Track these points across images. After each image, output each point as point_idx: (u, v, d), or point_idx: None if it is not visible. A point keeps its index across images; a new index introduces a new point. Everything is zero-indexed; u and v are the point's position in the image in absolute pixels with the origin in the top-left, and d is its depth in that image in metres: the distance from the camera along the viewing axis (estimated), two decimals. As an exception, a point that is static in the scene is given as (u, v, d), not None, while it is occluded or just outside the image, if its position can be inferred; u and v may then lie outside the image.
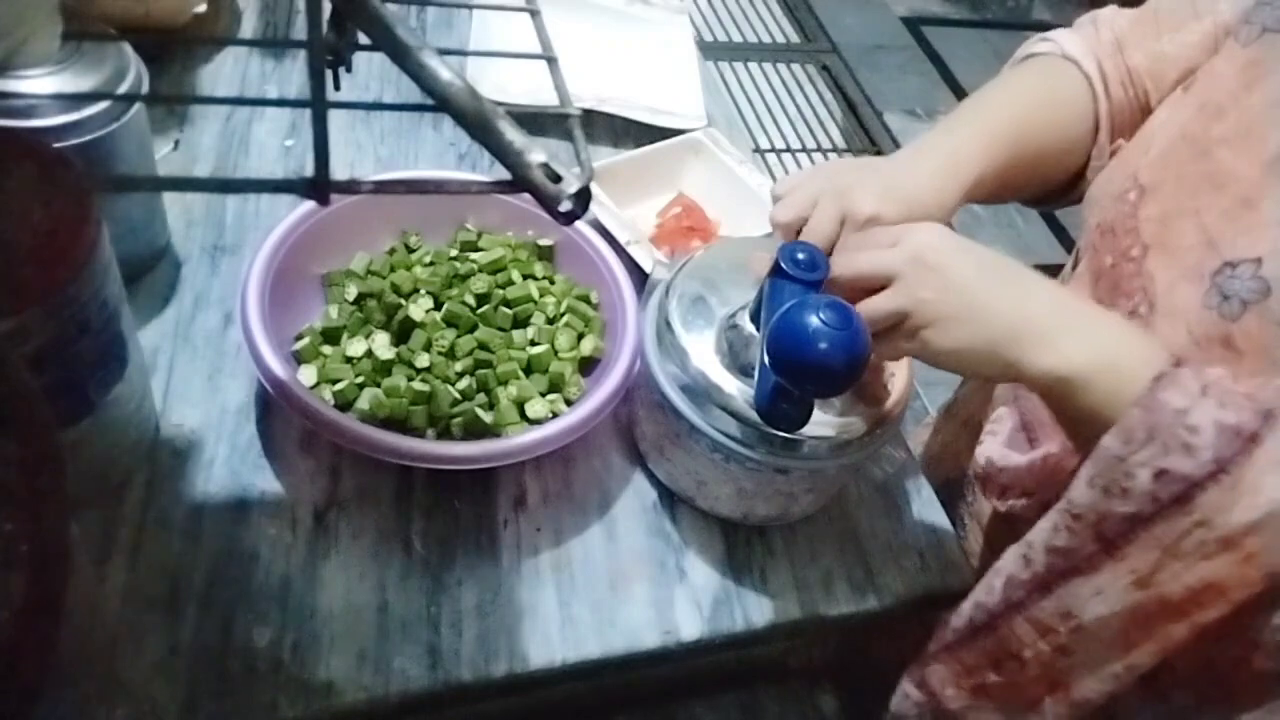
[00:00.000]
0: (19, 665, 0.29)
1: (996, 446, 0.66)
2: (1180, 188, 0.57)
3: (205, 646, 0.53)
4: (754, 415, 0.53)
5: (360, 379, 0.62)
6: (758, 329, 0.55)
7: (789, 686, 0.74)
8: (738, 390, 0.56)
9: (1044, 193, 0.73)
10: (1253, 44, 0.55)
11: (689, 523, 0.64)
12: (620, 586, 0.60)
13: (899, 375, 0.60)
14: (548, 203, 0.38)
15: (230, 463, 0.61)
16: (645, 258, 0.75)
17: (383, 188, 0.42)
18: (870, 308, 0.52)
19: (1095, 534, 0.46)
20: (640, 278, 0.77)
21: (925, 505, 0.69)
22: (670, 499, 0.65)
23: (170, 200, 0.72)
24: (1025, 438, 0.65)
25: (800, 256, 0.54)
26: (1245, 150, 0.53)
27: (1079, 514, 0.46)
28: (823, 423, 0.56)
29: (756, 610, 0.61)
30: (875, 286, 0.53)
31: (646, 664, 0.59)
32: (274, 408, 0.63)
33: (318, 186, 0.36)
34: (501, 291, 0.68)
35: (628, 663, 0.58)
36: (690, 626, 0.59)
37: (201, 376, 0.64)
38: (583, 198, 0.38)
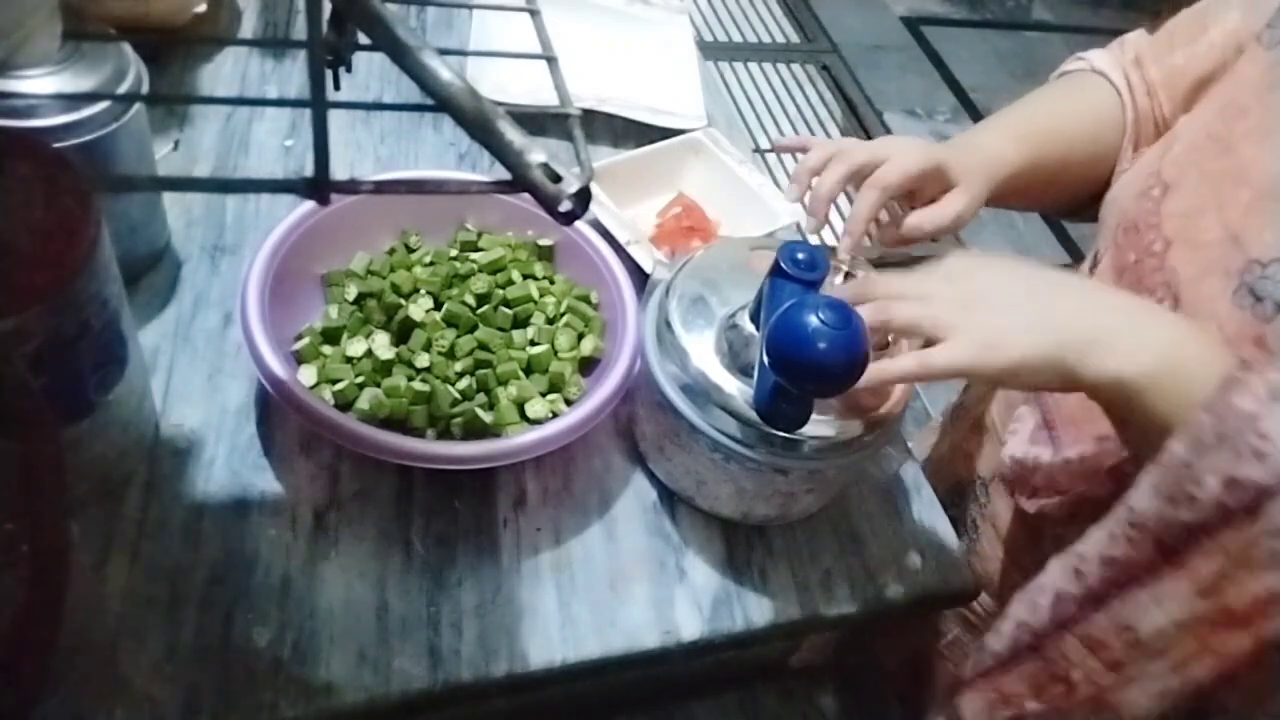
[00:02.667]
0: (19, 665, 0.29)
1: (1021, 445, 0.66)
2: (1203, 183, 0.57)
3: (205, 646, 0.53)
4: (754, 415, 0.53)
5: (360, 379, 0.62)
6: (758, 329, 0.55)
7: (789, 686, 0.74)
8: (737, 390, 0.56)
9: (1073, 201, 0.74)
10: (1277, 46, 0.56)
11: (689, 523, 0.64)
12: (620, 586, 0.60)
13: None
14: (548, 203, 0.38)
15: (230, 463, 0.61)
16: (645, 258, 0.75)
17: (383, 188, 0.42)
18: (903, 318, 0.51)
19: (1156, 543, 0.44)
20: (640, 278, 0.77)
21: (925, 505, 0.69)
22: (670, 499, 0.65)
23: (170, 200, 0.72)
24: (1048, 435, 0.65)
25: (800, 256, 0.54)
26: (1268, 146, 0.53)
27: (1141, 523, 0.44)
28: (822, 423, 0.56)
29: (756, 610, 0.61)
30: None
31: (646, 664, 0.59)
32: (274, 408, 0.63)
33: (318, 186, 0.36)
34: (501, 291, 0.68)
35: (628, 663, 0.58)
36: (690, 626, 0.59)
37: (201, 376, 0.64)
38: (583, 198, 0.38)
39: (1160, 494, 0.43)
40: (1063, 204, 0.76)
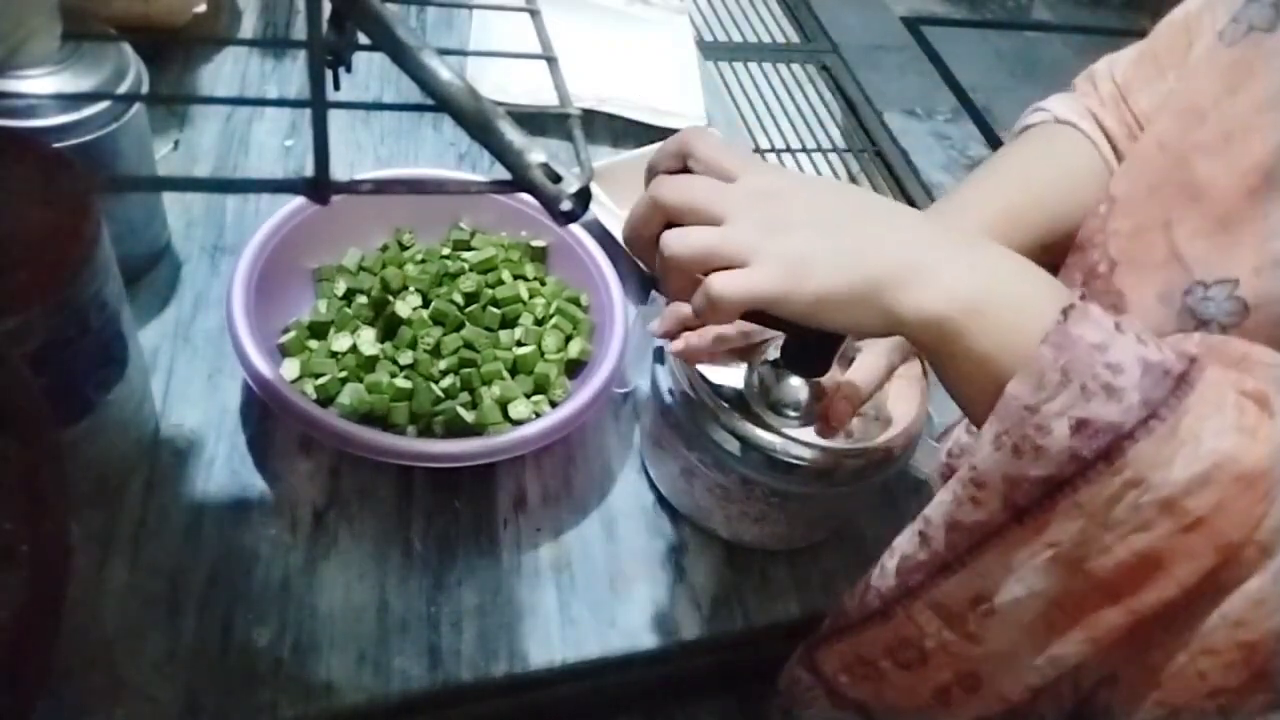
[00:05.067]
0: (19, 665, 0.29)
1: (955, 435, 0.62)
2: (1152, 200, 0.52)
3: (205, 646, 0.53)
4: (764, 439, 0.53)
5: (344, 374, 0.62)
6: (788, 366, 0.54)
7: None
8: (744, 413, 0.55)
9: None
10: (1238, 43, 0.51)
11: (689, 522, 0.64)
12: (620, 586, 0.60)
13: (910, 402, 0.59)
14: (548, 203, 0.38)
15: (230, 463, 0.61)
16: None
17: (383, 188, 0.42)
18: (695, 240, 0.41)
19: (1006, 502, 0.39)
20: (640, 278, 0.77)
21: (925, 505, 0.69)
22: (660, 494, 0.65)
23: (170, 200, 0.72)
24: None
25: None
26: (1225, 159, 0.49)
27: (984, 481, 0.39)
28: (826, 451, 0.55)
29: (756, 610, 0.61)
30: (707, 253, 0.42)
31: (646, 664, 0.59)
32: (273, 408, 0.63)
33: (318, 186, 0.36)
34: (491, 291, 0.68)
35: (628, 663, 0.58)
36: (690, 626, 0.59)
37: (201, 376, 0.64)
38: (583, 198, 0.38)
39: (1003, 446, 0.38)
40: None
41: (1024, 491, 0.38)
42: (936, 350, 0.41)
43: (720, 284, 0.40)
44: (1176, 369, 0.36)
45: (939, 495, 0.42)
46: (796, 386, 0.55)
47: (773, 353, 0.56)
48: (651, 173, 0.47)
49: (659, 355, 0.59)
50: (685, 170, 0.45)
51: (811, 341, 0.49)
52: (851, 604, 0.48)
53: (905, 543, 0.44)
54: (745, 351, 0.56)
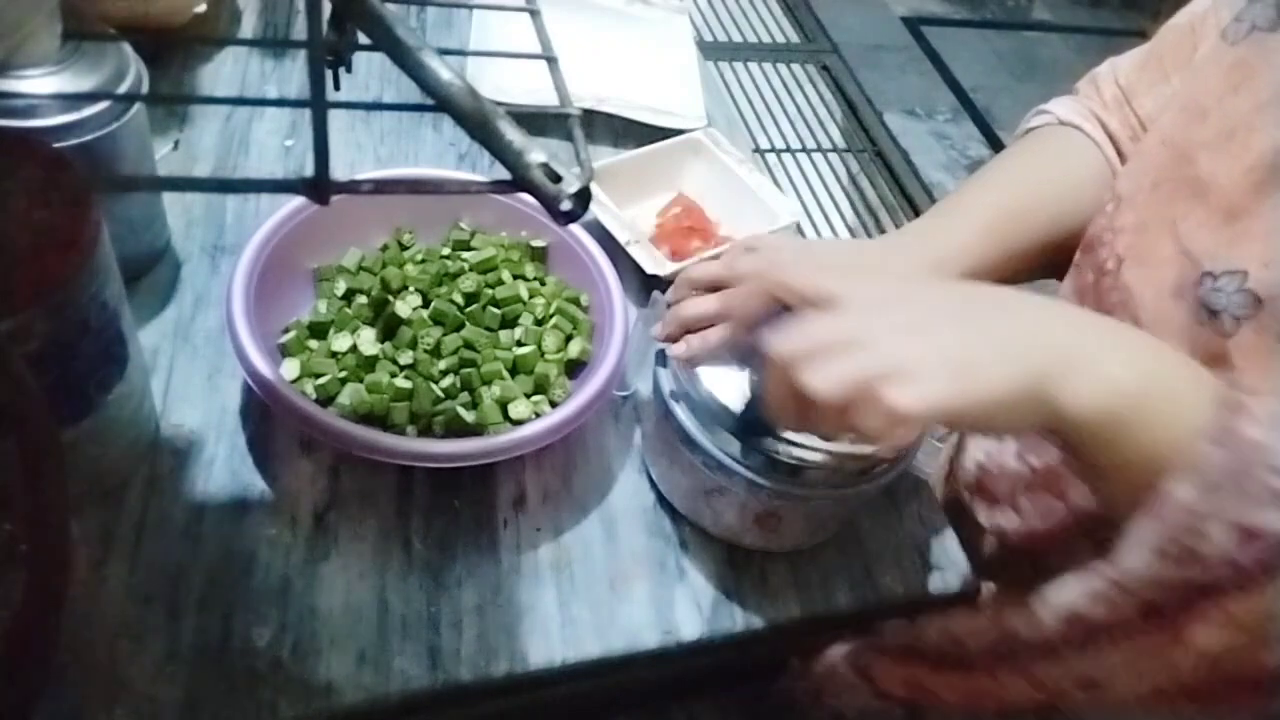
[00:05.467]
0: (19, 665, 0.29)
1: (986, 446, 0.62)
2: (1156, 195, 0.52)
3: (205, 646, 0.53)
4: (766, 442, 0.54)
5: (344, 374, 0.62)
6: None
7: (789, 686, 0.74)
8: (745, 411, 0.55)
9: (1056, 269, 0.66)
10: (1241, 42, 0.51)
11: (689, 522, 0.64)
12: (620, 586, 0.60)
13: None
14: (548, 203, 0.38)
15: (230, 463, 0.61)
16: (645, 258, 0.75)
17: (383, 188, 0.42)
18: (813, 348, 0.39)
19: (1142, 606, 0.37)
20: (640, 278, 0.77)
21: (925, 505, 0.69)
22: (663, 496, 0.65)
23: (170, 200, 0.72)
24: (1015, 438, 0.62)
25: None
26: (1227, 155, 0.49)
27: (1128, 584, 0.37)
28: (829, 454, 0.55)
29: (756, 610, 0.61)
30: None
31: (646, 664, 0.59)
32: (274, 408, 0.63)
33: (318, 186, 0.36)
34: (490, 291, 0.68)
35: (628, 663, 0.58)
36: (690, 626, 0.59)
37: (201, 376, 0.64)
38: (583, 198, 0.38)
39: (1160, 551, 0.36)
40: (1046, 274, 0.67)
41: (1169, 596, 0.36)
42: (1095, 444, 0.39)
43: (902, 402, 0.37)
44: None
45: (1071, 584, 0.39)
46: None
47: None
48: (683, 288, 0.52)
49: (660, 358, 0.59)
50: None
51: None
52: (930, 636, 0.46)
53: (1015, 618, 0.42)
54: (747, 355, 0.56)
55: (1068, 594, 0.39)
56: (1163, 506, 0.36)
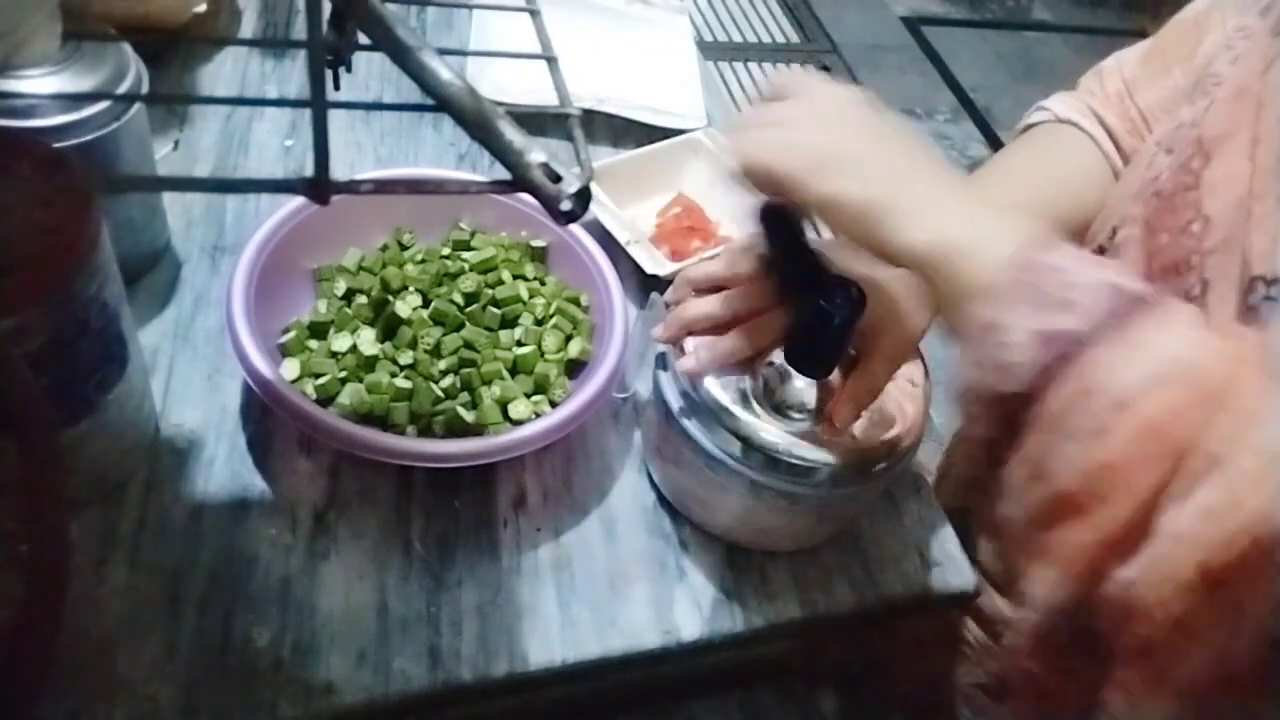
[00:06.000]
0: (19, 665, 0.29)
1: None
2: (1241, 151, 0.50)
3: (205, 646, 0.53)
4: (766, 439, 0.54)
5: (344, 374, 0.62)
6: (793, 366, 0.54)
7: (789, 686, 0.74)
8: (747, 414, 0.55)
9: None
10: None
11: (689, 523, 0.64)
12: (620, 586, 0.60)
13: (912, 403, 0.58)
14: (548, 203, 0.38)
15: (230, 463, 0.61)
16: (645, 258, 0.75)
17: (383, 188, 0.42)
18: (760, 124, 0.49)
19: (992, 420, 0.40)
20: (640, 278, 0.77)
21: (925, 505, 0.69)
22: (662, 495, 0.65)
23: (170, 200, 0.72)
24: None
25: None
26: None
27: (964, 394, 0.41)
28: (828, 450, 0.55)
29: (756, 610, 0.61)
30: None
31: (646, 664, 0.59)
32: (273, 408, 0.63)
33: (318, 186, 0.36)
34: (490, 291, 0.68)
35: (628, 663, 0.58)
36: (690, 626, 0.59)
37: (201, 376, 0.64)
38: (583, 197, 0.38)
39: (975, 364, 0.40)
40: None
41: (1004, 409, 0.39)
42: (922, 275, 0.45)
43: (754, 146, 0.48)
44: (1140, 291, 0.37)
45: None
46: (801, 388, 0.55)
47: (777, 356, 0.56)
48: (683, 288, 0.58)
49: (661, 361, 0.59)
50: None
51: (818, 340, 0.49)
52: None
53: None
54: (748, 362, 0.56)
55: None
56: (974, 325, 0.40)
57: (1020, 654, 0.46)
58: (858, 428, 0.56)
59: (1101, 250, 0.58)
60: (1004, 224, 0.43)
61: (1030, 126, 0.68)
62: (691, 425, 0.57)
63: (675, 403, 0.58)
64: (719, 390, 0.56)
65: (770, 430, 0.55)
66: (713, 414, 0.56)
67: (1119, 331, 0.36)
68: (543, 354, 0.66)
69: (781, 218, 0.54)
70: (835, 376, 0.55)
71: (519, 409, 0.63)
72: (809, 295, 0.51)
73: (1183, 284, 0.50)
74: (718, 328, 0.56)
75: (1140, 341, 0.36)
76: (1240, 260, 0.47)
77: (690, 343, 0.57)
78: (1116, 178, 0.63)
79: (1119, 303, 0.37)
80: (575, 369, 0.67)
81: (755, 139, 0.49)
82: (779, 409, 0.56)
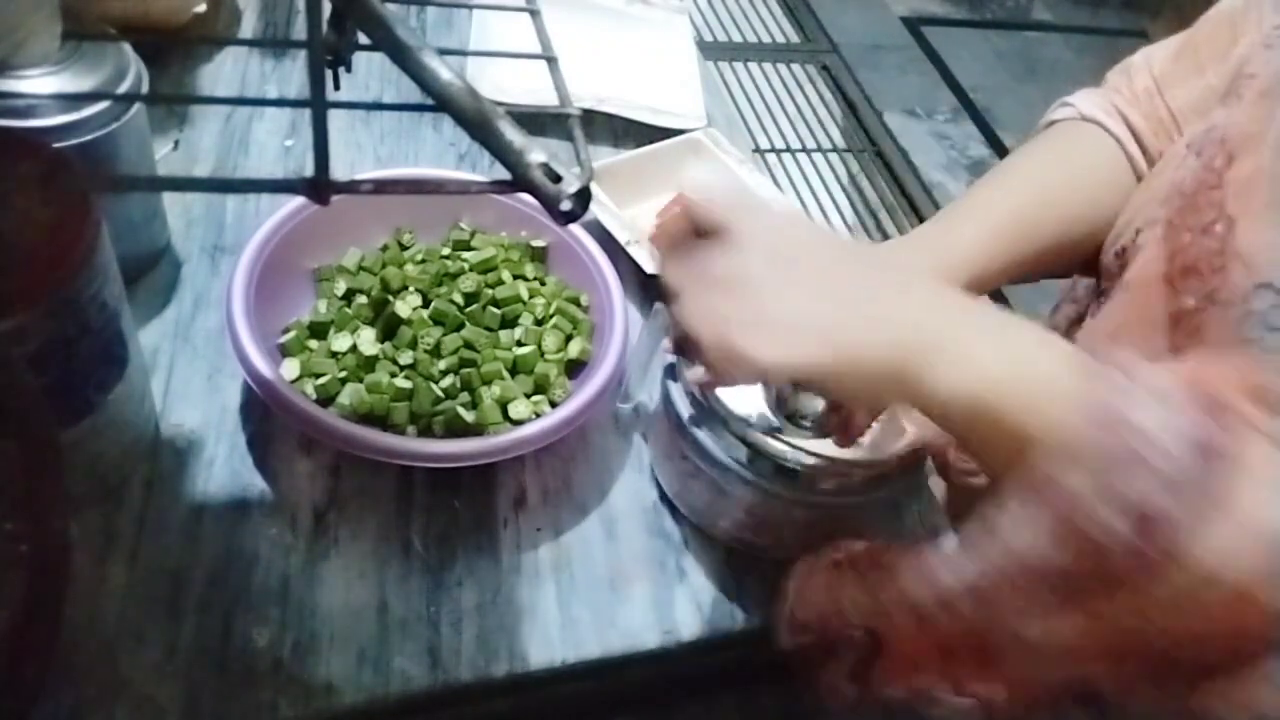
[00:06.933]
0: (19, 665, 0.29)
1: None
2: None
3: (205, 646, 0.53)
4: (773, 446, 0.53)
5: (344, 374, 0.62)
6: None
7: (789, 686, 0.74)
8: (758, 423, 0.55)
9: (1090, 265, 0.63)
10: None
11: (689, 523, 0.64)
12: (620, 586, 0.60)
13: (920, 415, 0.58)
14: (548, 203, 0.38)
15: (230, 463, 0.61)
16: (646, 258, 0.75)
17: (382, 188, 0.42)
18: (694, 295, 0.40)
19: (1051, 589, 0.36)
20: (641, 278, 0.77)
21: (925, 505, 0.69)
22: (669, 498, 0.65)
23: (170, 200, 0.72)
24: None
25: None
26: None
27: (1025, 566, 0.36)
28: (843, 460, 0.55)
29: (756, 610, 0.61)
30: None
31: (646, 664, 0.59)
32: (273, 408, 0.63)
33: (318, 186, 0.36)
34: (490, 291, 0.68)
35: (628, 663, 0.58)
36: (690, 626, 0.59)
37: (201, 376, 0.64)
38: (583, 197, 0.38)
39: (1055, 536, 0.35)
40: (1057, 275, 0.66)
41: (1072, 584, 0.35)
42: (963, 426, 0.39)
43: (759, 352, 0.39)
44: (1223, 444, 0.33)
45: (959, 552, 0.38)
46: (813, 398, 0.55)
47: None
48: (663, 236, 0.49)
49: (671, 371, 0.59)
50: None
51: None
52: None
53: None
54: None
55: (963, 567, 0.38)
56: (1050, 492, 0.34)
57: None
58: (869, 437, 0.56)
59: (1124, 251, 0.57)
60: (1049, 354, 0.39)
61: (1053, 123, 0.67)
62: (702, 434, 0.57)
63: (686, 412, 0.57)
64: (730, 399, 0.56)
65: (781, 439, 0.55)
66: (724, 423, 0.56)
67: (1214, 505, 0.33)
68: (543, 354, 0.66)
69: None
70: None
71: (519, 409, 0.63)
72: None
73: (1206, 285, 0.48)
74: None
75: (1233, 512, 0.33)
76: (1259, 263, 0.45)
77: None
78: (1139, 180, 0.62)
79: (1208, 468, 0.33)
80: (575, 369, 0.67)
81: (724, 315, 0.40)
82: (791, 418, 0.56)
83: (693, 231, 0.44)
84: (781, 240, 0.42)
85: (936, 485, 0.83)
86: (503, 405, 0.63)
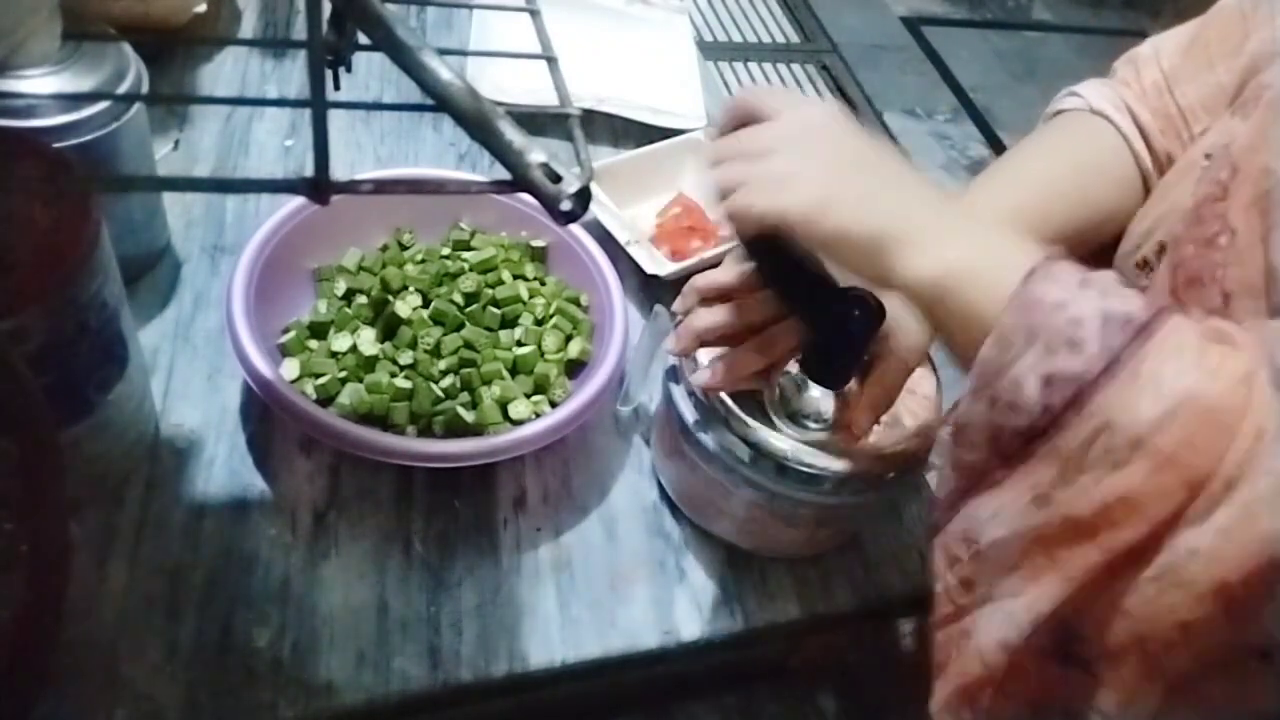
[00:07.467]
0: (19, 665, 0.29)
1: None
2: None
3: (205, 646, 0.53)
4: (776, 446, 0.54)
5: (344, 374, 0.62)
6: (811, 378, 0.54)
7: (789, 686, 0.74)
8: (761, 424, 0.55)
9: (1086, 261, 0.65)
10: None
11: (689, 523, 0.64)
12: (620, 586, 0.60)
13: (924, 409, 0.58)
14: (548, 203, 0.38)
15: (230, 463, 0.61)
16: (645, 258, 0.75)
17: (382, 188, 0.42)
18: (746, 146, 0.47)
19: (993, 449, 0.41)
20: (640, 278, 0.77)
21: (925, 505, 0.69)
22: (670, 498, 0.65)
23: (170, 200, 0.72)
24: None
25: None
26: None
27: (966, 427, 0.41)
28: (839, 458, 0.54)
29: (756, 610, 0.61)
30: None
31: (646, 664, 0.59)
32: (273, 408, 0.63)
33: (318, 186, 0.36)
34: (490, 291, 0.68)
35: (628, 663, 0.58)
36: (690, 626, 0.59)
37: (201, 376, 0.64)
38: (583, 197, 0.38)
39: (981, 399, 0.40)
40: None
41: (1006, 441, 0.40)
42: (924, 306, 0.45)
43: (760, 204, 0.45)
44: (1139, 318, 0.37)
45: (941, 433, 0.45)
46: (817, 398, 0.55)
47: (793, 365, 0.56)
48: (691, 297, 0.57)
49: (673, 374, 0.59)
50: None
51: (836, 353, 0.49)
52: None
53: (932, 483, 0.46)
54: (764, 374, 0.56)
55: (944, 443, 0.44)
56: (978, 367, 0.40)
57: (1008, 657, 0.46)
58: (872, 436, 0.56)
59: (1145, 263, 0.57)
60: (1008, 249, 0.43)
61: (1060, 113, 0.66)
62: (706, 436, 0.57)
63: (689, 415, 0.57)
64: (733, 400, 0.56)
65: (784, 439, 0.54)
66: (726, 423, 0.55)
67: (1126, 367, 0.37)
68: (543, 354, 0.66)
69: (773, 245, 0.52)
70: (851, 385, 0.55)
71: (519, 409, 0.63)
72: (823, 310, 0.51)
73: (1204, 297, 0.49)
74: (730, 337, 0.55)
75: (1149, 376, 0.36)
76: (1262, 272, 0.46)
77: (704, 354, 0.57)
78: (1144, 178, 0.62)
79: (1121, 337, 0.37)
80: (575, 369, 0.67)
81: (741, 177, 0.47)
82: (795, 418, 0.56)
83: (742, 122, 0.50)
84: (812, 125, 0.48)
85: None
86: (503, 405, 0.63)
